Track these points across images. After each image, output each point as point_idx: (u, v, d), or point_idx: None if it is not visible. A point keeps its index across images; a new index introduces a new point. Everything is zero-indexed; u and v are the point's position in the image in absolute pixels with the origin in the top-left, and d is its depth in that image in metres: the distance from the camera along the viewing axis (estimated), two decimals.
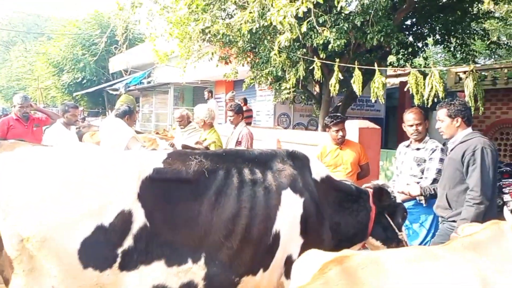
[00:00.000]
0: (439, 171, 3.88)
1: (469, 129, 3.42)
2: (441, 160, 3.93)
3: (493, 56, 15.64)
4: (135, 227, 2.10)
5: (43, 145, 4.56)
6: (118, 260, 2.06)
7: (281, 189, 2.53)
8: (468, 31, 8.92)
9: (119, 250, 2.07)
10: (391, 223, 3.07)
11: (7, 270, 4.41)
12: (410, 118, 4.08)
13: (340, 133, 4.62)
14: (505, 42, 11.79)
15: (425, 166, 4.03)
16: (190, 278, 2.22)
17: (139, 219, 2.11)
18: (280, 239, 2.48)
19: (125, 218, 2.07)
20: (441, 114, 3.47)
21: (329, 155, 4.66)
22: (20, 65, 31.00)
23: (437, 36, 9.17)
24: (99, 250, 2.03)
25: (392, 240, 3.09)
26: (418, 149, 4.10)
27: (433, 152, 3.99)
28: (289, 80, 7.10)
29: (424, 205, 4.00)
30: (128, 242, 2.08)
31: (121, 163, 2.21)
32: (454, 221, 3.25)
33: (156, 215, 2.16)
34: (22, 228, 1.96)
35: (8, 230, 1.98)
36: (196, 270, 2.23)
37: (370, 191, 3.11)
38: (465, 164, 3.19)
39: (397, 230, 3.07)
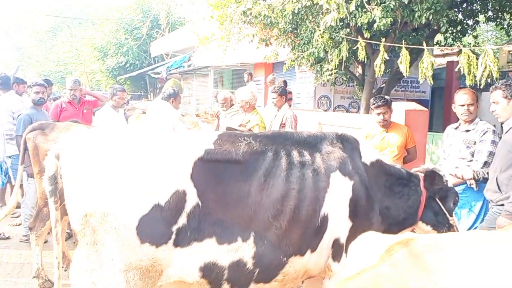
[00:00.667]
0: (490, 154, 3.74)
1: None
2: (493, 142, 3.78)
3: None
4: (189, 206, 2.18)
5: (94, 126, 4.78)
6: (173, 237, 2.16)
7: (330, 171, 2.52)
8: None
9: (174, 228, 2.16)
10: (442, 207, 3.00)
11: (63, 245, 4.62)
12: (463, 98, 3.94)
13: (382, 116, 4.52)
14: None
15: (475, 149, 3.88)
16: (239, 256, 2.29)
17: (192, 198, 2.19)
18: (328, 221, 2.49)
19: (179, 197, 2.16)
20: (497, 96, 3.34)
21: (374, 137, 4.58)
22: (66, 50, 32.21)
23: (490, 13, 8.64)
24: (155, 227, 2.13)
25: (442, 225, 3.02)
26: (467, 130, 3.95)
27: (484, 133, 3.83)
28: (331, 61, 6.97)
29: (475, 189, 3.88)
30: (182, 220, 2.17)
31: (175, 145, 2.29)
32: (502, 204, 3.16)
33: (208, 194, 2.23)
34: (86, 204, 2.10)
35: (73, 206, 2.15)
36: (245, 249, 2.29)
37: (421, 175, 3.04)
38: None
39: (448, 215, 3.00)
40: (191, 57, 17.98)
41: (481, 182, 3.93)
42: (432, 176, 2.98)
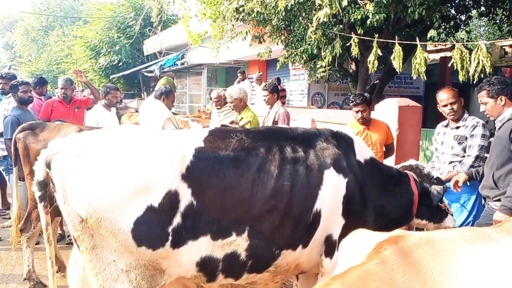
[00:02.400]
0: (481, 148, 3.83)
1: None
2: (483, 136, 3.85)
3: None
4: (182, 205, 2.17)
5: (86, 126, 4.72)
6: (170, 238, 2.16)
7: (323, 168, 2.52)
8: None
9: (169, 229, 2.15)
10: (433, 199, 3.04)
11: (55, 246, 4.58)
12: (443, 97, 3.98)
13: (360, 114, 4.52)
14: None
15: (467, 144, 3.92)
16: (233, 249, 2.31)
17: (186, 198, 2.17)
18: (321, 218, 2.49)
19: (172, 198, 2.14)
20: (482, 96, 3.37)
21: (357, 135, 4.58)
22: (59, 49, 31.97)
23: (482, 8, 8.66)
24: (150, 229, 2.12)
25: (436, 214, 3.11)
26: (458, 127, 4.00)
27: (474, 128, 3.88)
28: (324, 58, 6.95)
29: (468, 184, 3.89)
30: (177, 220, 2.16)
31: (165, 144, 2.27)
32: (499, 200, 3.17)
33: (201, 192, 2.22)
34: (80, 210, 2.10)
35: (69, 213, 2.14)
36: (239, 242, 2.31)
37: (411, 174, 3.08)
38: None
39: (440, 204, 3.06)
40: (184, 55, 17.90)
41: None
42: (419, 172, 3.04)
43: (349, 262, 1.25)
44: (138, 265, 2.15)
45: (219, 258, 2.28)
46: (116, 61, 21.98)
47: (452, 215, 3.27)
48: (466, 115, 4.00)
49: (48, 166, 2.19)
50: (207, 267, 2.28)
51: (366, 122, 4.60)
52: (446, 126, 4.13)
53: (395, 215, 2.87)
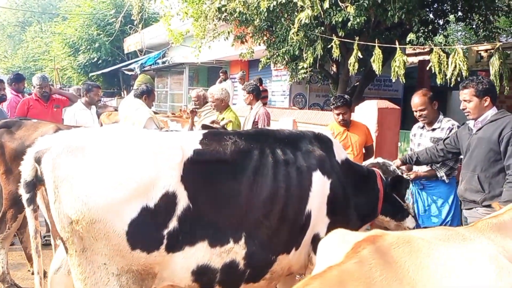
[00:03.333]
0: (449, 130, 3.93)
1: (495, 108, 3.33)
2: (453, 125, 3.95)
3: None
4: (179, 208, 2.11)
5: (64, 125, 4.63)
6: (164, 241, 2.09)
7: (312, 170, 2.57)
8: (492, 8, 8.60)
9: (165, 232, 2.09)
10: (396, 197, 3.14)
11: (30, 247, 4.52)
12: (413, 103, 4.04)
13: (341, 117, 4.58)
14: None
15: None
16: (232, 258, 2.26)
17: (183, 201, 2.12)
18: (311, 219, 2.54)
19: (169, 200, 2.08)
20: (467, 94, 3.32)
21: (337, 136, 4.63)
22: (36, 46, 31.21)
23: (459, 13, 8.86)
24: (145, 232, 2.05)
25: (399, 212, 3.22)
26: (434, 129, 4.08)
27: (450, 131, 3.96)
28: (306, 59, 6.99)
29: (447, 181, 3.99)
30: (173, 224, 2.10)
31: (162, 146, 2.20)
32: (488, 205, 3.14)
33: (198, 196, 2.17)
34: (72, 210, 1.97)
35: (58, 213, 2.01)
36: (237, 250, 2.27)
37: (377, 171, 3.18)
38: (503, 143, 3.09)
39: (402, 203, 3.17)
40: (166, 53, 17.73)
41: (452, 176, 4.06)
42: (385, 169, 3.13)
43: (328, 262, 1.26)
44: (130, 269, 2.08)
45: (217, 268, 2.23)
46: (95, 59, 21.65)
47: (414, 216, 3.39)
48: (441, 117, 4.07)
49: (38, 161, 2.04)
50: (203, 277, 2.22)
51: (347, 124, 4.66)
52: (422, 127, 4.20)
53: (365, 211, 2.97)
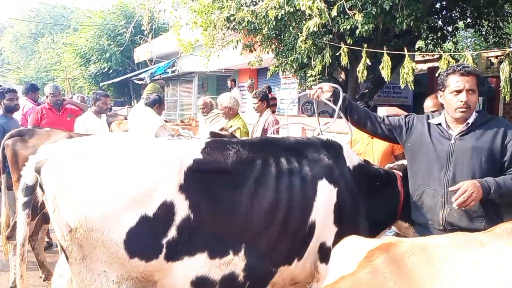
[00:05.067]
0: None
1: None
2: None
3: None
4: (178, 218, 2.10)
5: (75, 133, 4.69)
6: (164, 250, 2.08)
7: (317, 179, 2.51)
8: (501, 14, 8.56)
9: (164, 241, 2.08)
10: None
11: (42, 254, 4.55)
12: (425, 106, 4.00)
13: None
14: None
15: None
16: (231, 270, 2.23)
17: (182, 210, 2.11)
18: (315, 229, 2.47)
19: (167, 209, 2.07)
20: (472, 82, 2.53)
21: (359, 142, 4.57)
22: (48, 57, 31.74)
23: (468, 20, 8.83)
24: (144, 240, 2.05)
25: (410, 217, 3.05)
26: None
27: None
28: (314, 67, 7.01)
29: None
30: (172, 233, 2.09)
31: (162, 154, 2.20)
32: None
33: (198, 206, 2.15)
34: (70, 219, 2.00)
35: (58, 222, 2.04)
36: (237, 262, 2.23)
37: (398, 173, 3.04)
38: (509, 152, 2.48)
39: None
40: (175, 63, 17.88)
41: None
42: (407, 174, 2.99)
43: (341, 270, 1.24)
44: (130, 276, 2.08)
45: (216, 280, 2.20)
46: (106, 69, 21.91)
47: None
48: None
49: (38, 171, 2.08)
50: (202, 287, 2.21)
51: None
52: None
53: (382, 216, 2.86)
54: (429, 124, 2.76)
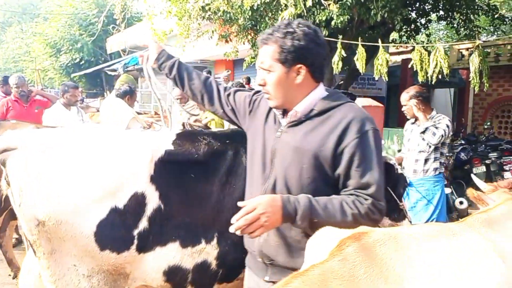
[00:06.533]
0: (441, 136, 4.00)
1: None
2: (447, 126, 4.05)
3: (495, 33, 15.41)
4: (149, 208, 2.08)
5: (44, 125, 4.53)
6: (135, 242, 2.06)
7: None
8: (472, 7, 8.76)
9: (135, 232, 2.06)
10: (394, 195, 3.07)
11: (10, 251, 4.42)
12: (401, 99, 4.28)
13: None
14: (510, 18, 11.58)
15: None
16: (203, 258, 2.23)
17: (153, 201, 2.09)
18: None
19: (138, 200, 2.05)
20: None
21: None
22: (17, 47, 30.64)
23: (441, 12, 9.01)
24: (114, 232, 2.01)
25: (394, 212, 3.11)
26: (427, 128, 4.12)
27: (439, 122, 4.07)
28: None
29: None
30: (143, 223, 2.07)
31: (132, 145, 2.17)
32: None
33: (169, 196, 2.14)
34: (38, 212, 1.94)
35: (24, 215, 1.97)
36: (209, 250, 2.23)
37: None
38: (346, 153, 1.78)
39: (398, 201, 3.09)
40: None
41: (438, 174, 4.11)
42: (385, 166, 3.04)
43: (315, 260, 1.24)
44: (100, 270, 2.04)
45: (188, 269, 2.20)
46: (77, 59, 21.34)
47: (410, 221, 3.30)
48: (434, 112, 4.21)
49: (3, 163, 1.99)
50: (175, 277, 2.19)
51: None
52: (413, 123, 4.30)
53: None
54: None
